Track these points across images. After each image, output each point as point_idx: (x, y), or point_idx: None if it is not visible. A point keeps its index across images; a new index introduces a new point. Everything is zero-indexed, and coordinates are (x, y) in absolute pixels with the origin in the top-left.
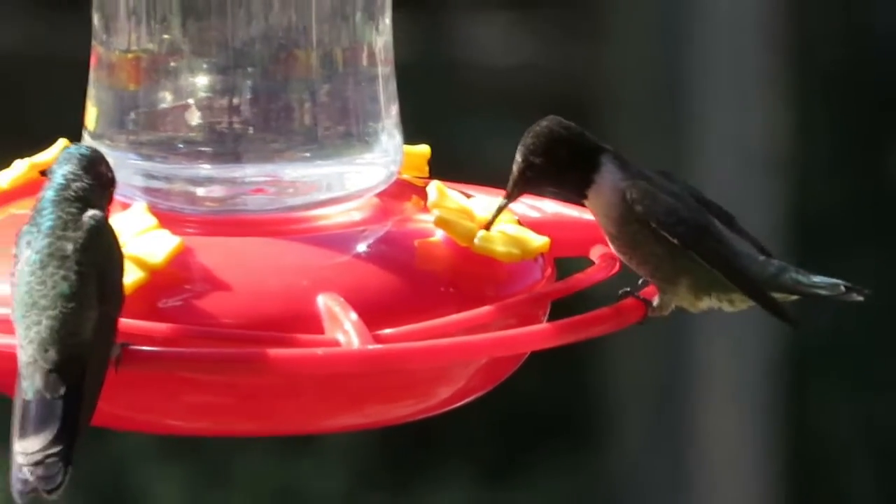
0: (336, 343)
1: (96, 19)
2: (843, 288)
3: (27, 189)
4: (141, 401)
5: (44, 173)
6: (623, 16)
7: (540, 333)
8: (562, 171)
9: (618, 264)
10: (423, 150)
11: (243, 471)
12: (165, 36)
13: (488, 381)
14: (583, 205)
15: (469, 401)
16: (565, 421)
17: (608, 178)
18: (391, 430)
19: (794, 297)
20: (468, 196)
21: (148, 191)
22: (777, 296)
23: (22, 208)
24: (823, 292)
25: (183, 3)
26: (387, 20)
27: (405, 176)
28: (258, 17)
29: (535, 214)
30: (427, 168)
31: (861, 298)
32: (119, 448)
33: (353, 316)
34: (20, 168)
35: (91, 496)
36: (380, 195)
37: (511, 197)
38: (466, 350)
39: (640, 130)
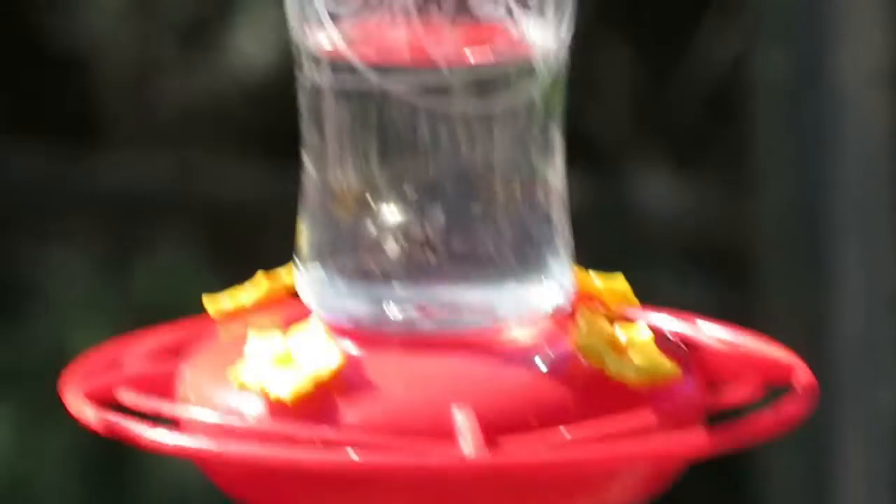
0: (459, 454)
1: (305, 160)
2: None
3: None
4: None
5: None
6: (770, 172)
7: (691, 442)
8: None
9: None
10: (621, 281)
11: None
12: (365, 174)
13: (643, 492)
14: None
15: None
16: None
17: None
18: None
19: None
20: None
21: (341, 309)
22: None
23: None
24: None
25: (381, 146)
26: (558, 162)
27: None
28: (447, 157)
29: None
30: (632, 296)
31: None
32: None
33: (478, 430)
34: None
35: None
36: (551, 319)
37: None
38: (571, 464)
39: (784, 271)
